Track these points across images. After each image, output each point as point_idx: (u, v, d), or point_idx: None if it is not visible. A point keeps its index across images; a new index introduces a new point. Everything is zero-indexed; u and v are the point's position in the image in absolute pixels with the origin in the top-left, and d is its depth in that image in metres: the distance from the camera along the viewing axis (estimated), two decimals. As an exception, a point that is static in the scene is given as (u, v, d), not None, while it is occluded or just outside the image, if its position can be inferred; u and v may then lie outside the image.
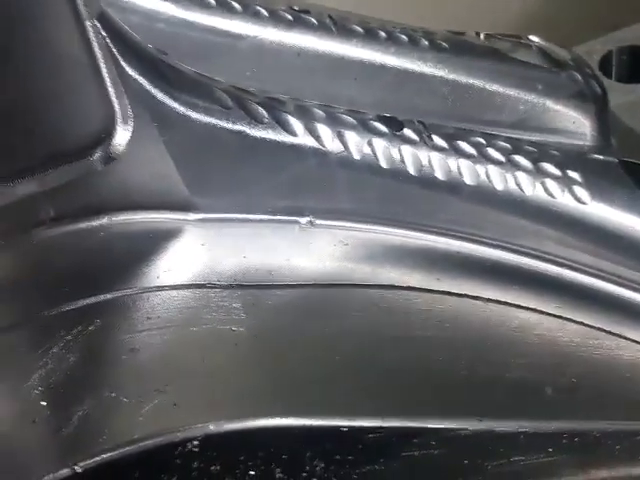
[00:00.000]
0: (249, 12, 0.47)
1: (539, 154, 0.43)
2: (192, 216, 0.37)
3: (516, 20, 0.90)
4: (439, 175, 0.41)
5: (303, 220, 0.39)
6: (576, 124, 0.56)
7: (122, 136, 0.35)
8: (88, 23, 0.32)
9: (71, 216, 0.36)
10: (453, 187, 0.41)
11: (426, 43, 0.52)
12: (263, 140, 0.38)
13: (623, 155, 0.56)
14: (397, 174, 0.40)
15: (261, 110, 0.38)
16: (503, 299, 0.41)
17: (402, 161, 0.40)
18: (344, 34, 0.50)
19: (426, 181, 0.40)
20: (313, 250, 0.38)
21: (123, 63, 0.34)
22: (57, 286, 0.34)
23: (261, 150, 0.38)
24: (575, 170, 0.43)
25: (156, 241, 0.36)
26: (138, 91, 0.35)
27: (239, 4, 0.48)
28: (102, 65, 0.33)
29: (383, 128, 0.41)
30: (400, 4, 0.78)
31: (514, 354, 0.38)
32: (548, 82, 0.55)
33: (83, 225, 0.36)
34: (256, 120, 0.38)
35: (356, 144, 0.39)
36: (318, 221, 0.40)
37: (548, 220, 0.42)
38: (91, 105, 0.34)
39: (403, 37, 0.51)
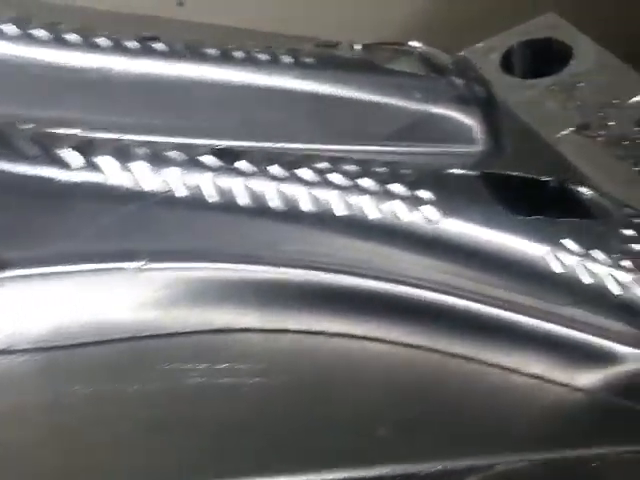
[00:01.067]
0: (88, 43, 0.46)
1: (388, 175, 0.41)
2: (5, 274, 0.36)
3: (413, 22, 0.88)
4: (275, 205, 0.39)
5: (132, 265, 0.37)
6: (463, 130, 0.55)
7: None
8: None
9: None
10: (293, 216, 0.39)
11: (289, 60, 0.50)
12: (76, 185, 0.36)
13: (513, 163, 0.54)
14: (228, 208, 0.38)
15: (73, 154, 0.36)
16: (349, 331, 0.39)
17: (232, 194, 0.38)
18: (197, 58, 0.48)
19: (260, 212, 0.39)
20: (138, 298, 0.36)
21: None
22: None
23: (77, 196, 0.36)
24: (427, 189, 0.41)
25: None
26: None
27: (80, 36, 0.46)
28: None
29: (214, 162, 0.39)
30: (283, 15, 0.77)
31: (353, 391, 0.36)
32: (427, 89, 0.54)
33: None
34: (67, 165, 0.36)
35: (181, 181, 0.38)
36: (152, 264, 0.38)
37: (398, 242, 0.41)
38: None
39: (263, 56, 0.49)
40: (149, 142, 0.39)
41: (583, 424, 0.38)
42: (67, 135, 0.37)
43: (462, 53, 0.68)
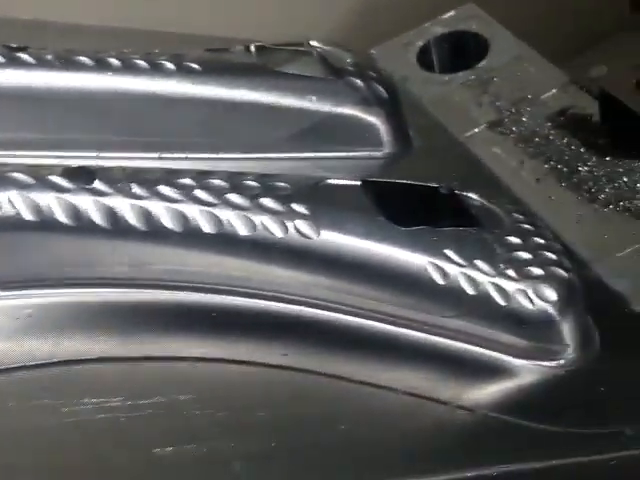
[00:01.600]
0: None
1: (260, 189, 0.39)
2: None
3: (330, 18, 0.86)
4: (135, 224, 0.37)
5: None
6: (368, 132, 0.53)
7: None
8: None
9: None
10: (155, 235, 0.37)
11: (171, 67, 0.48)
12: None
13: (417, 166, 0.52)
14: (82, 230, 0.36)
15: None
16: (218, 355, 0.37)
17: (87, 215, 0.36)
18: (71, 67, 0.46)
19: (119, 232, 0.37)
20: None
21: None
22: None
23: None
24: (301, 202, 0.39)
25: None
26: None
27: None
28: None
29: (66, 184, 0.37)
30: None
31: (209, 423, 0.34)
32: (323, 92, 0.51)
33: None
34: None
35: (29, 203, 0.36)
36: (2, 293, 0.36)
37: (274, 259, 0.39)
38: None
39: (141, 63, 0.47)
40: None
41: (467, 444, 0.36)
42: None
43: (373, 51, 0.66)
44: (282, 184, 0.40)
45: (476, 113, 0.60)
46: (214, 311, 0.38)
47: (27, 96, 0.45)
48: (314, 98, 0.51)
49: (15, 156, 0.43)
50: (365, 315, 0.40)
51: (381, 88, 0.53)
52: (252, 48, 0.53)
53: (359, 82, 0.52)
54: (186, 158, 0.48)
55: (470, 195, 0.43)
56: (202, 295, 0.38)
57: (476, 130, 0.58)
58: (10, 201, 0.35)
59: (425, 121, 0.59)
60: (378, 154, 0.53)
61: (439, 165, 0.53)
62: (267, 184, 0.40)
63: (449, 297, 0.39)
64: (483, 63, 0.64)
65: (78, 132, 0.46)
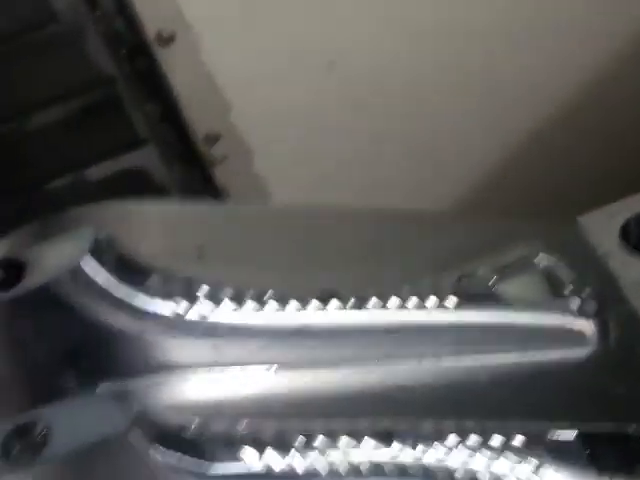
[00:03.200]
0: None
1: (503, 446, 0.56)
2: None
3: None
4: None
5: None
6: (576, 337, 0.67)
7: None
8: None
9: None
10: None
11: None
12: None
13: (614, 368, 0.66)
14: None
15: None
16: None
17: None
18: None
19: None
20: None
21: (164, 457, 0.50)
22: None
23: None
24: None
25: None
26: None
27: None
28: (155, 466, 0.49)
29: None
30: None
31: None
32: (547, 309, 0.66)
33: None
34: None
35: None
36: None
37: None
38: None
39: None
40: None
41: None
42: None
43: (579, 219, 0.78)
44: (521, 438, 0.56)
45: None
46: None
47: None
48: (535, 318, 0.66)
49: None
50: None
51: (591, 304, 0.67)
52: (491, 268, 0.68)
53: (575, 303, 0.67)
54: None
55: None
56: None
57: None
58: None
59: (623, 309, 0.71)
60: (582, 352, 0.67)
61: (631, 365, 0.67)
62: (511, 440, 0.56)
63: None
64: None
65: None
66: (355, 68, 1.16)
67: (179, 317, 0.60)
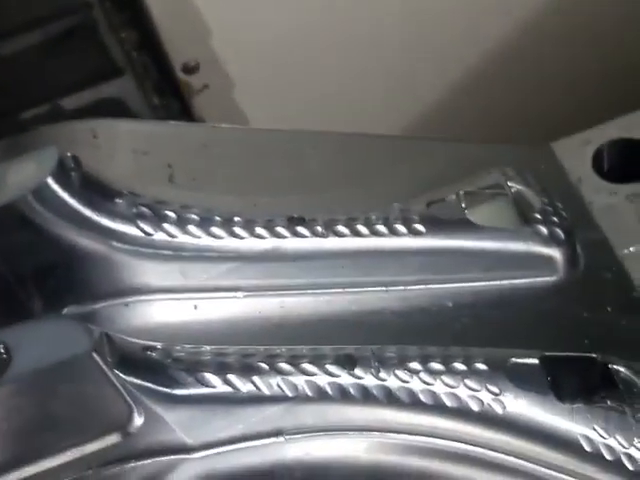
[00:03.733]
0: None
1: (467, 372, 0.56)
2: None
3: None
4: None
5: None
6: (544, 263, 0.68)
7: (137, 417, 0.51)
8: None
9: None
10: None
11: (403, 230, 0.64)
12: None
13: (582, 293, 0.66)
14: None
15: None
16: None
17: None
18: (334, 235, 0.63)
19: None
20: None
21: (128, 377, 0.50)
22: None
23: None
24: (494, 384, 0.56)
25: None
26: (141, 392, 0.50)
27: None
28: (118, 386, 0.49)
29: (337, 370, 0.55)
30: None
31: None
32: (513, 239, 0.67)
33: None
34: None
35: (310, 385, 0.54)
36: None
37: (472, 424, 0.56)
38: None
39: (381, 228, 0.63)
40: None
41: None
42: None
43: (552, 145, 0.78)
44: (483, 366, 0.56)
45: (635, 230, 0.72)
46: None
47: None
48: (504, 244, 0.66)
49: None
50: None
51: (561, 232, 0.67)
52: (461, 193, 0.68)
53: (544, 230, 0.67)
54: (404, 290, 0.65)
55: (619, 368, 0.59)
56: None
57: (631, 249, 0.71)
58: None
59: (592, 235, 0.72)
60: (549, 279, 0.68)
61: (598, 292, 0.68)
62: (473, 367, 0.56)
63: (594, 460, 0.56)
64: (652, 177, 0.74)
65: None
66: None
67: (146, 238, 0.59)
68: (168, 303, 0.61)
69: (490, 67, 1.21)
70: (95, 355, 0.48)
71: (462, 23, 1.16)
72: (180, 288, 0.62)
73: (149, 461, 0.52)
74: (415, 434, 0.56)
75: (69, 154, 0.58)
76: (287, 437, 0.54)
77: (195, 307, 0.61)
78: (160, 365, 0.52)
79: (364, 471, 0.55)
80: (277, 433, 0.54)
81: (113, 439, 0.51)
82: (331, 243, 0.63)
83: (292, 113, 1.19)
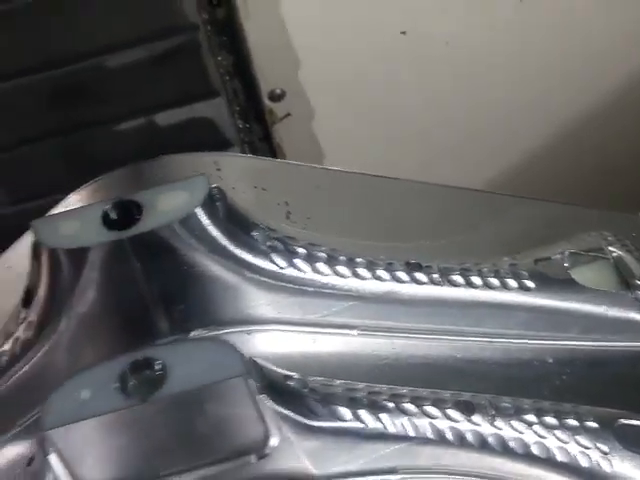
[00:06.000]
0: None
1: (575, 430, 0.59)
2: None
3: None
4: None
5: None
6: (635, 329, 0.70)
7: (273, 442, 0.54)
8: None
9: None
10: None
11: (514, 284, 0.67)
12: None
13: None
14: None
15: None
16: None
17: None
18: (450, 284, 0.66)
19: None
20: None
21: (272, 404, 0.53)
22: None
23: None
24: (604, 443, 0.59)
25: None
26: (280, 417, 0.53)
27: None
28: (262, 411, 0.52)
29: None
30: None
31: None
32: (614, 304, 0.69)
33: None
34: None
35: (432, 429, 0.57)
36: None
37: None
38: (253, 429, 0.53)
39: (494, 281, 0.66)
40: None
41: None
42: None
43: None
44: (594, 424, 0.59)
45: None
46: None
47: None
48: (605, 307, 0.69)
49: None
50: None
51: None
52: (566, 253, 0.71)
53: (643, 295, 0.70)
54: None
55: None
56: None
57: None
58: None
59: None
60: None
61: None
62: (584, 424, 0.59)
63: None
64: None
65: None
66: (424, 37, 1.18)
67: (277, 271, 0.62)
68: (289, 335, 0.64)
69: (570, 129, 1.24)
70: (248, 380, 0.51)
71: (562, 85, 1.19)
72: (298, 321, 0.65)
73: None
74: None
75: (214, 185, 0.61)
76: (401, 477, 0.57)
77: (314, 341, 0.64)
78: (299, 394, 0.55)
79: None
80: (391, 471, 0.57)
81: (249, 460, 0.53)
82: (446, 292, 0.66)
83: (367, 151, 1.22)
